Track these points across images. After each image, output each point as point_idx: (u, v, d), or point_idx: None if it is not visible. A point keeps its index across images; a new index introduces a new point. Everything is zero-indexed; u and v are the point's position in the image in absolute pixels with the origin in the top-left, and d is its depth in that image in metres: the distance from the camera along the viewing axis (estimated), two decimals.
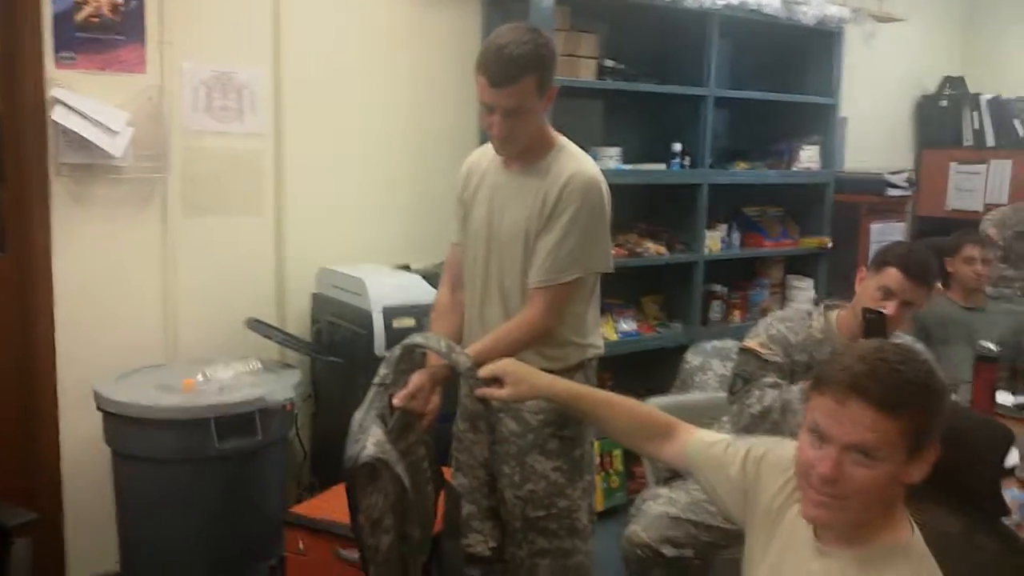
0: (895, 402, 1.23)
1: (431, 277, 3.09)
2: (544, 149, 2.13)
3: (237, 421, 2.57)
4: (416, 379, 1.93)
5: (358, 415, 1.86)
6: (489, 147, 2.21)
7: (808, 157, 4.34)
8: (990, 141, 5.05)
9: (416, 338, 1.94)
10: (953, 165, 5.12)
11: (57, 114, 2.74)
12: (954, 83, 5.42)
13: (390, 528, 1.87)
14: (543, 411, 2.12)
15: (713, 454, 1.60)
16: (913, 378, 1.25)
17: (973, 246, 3.56)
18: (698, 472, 1.64)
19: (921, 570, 1.29)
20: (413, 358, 1.96)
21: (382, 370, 1.91)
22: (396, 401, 1.89)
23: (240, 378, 2.73)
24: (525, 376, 1.82)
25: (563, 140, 2.17)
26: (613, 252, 2.23)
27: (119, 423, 2.61)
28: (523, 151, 2.11)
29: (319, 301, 3.26)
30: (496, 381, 1.82)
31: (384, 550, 1.85)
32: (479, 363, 1.88)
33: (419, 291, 3.00)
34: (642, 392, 2.85)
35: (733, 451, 1.58)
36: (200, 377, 2.66)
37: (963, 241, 3.56)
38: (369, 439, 1.79)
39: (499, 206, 2.15)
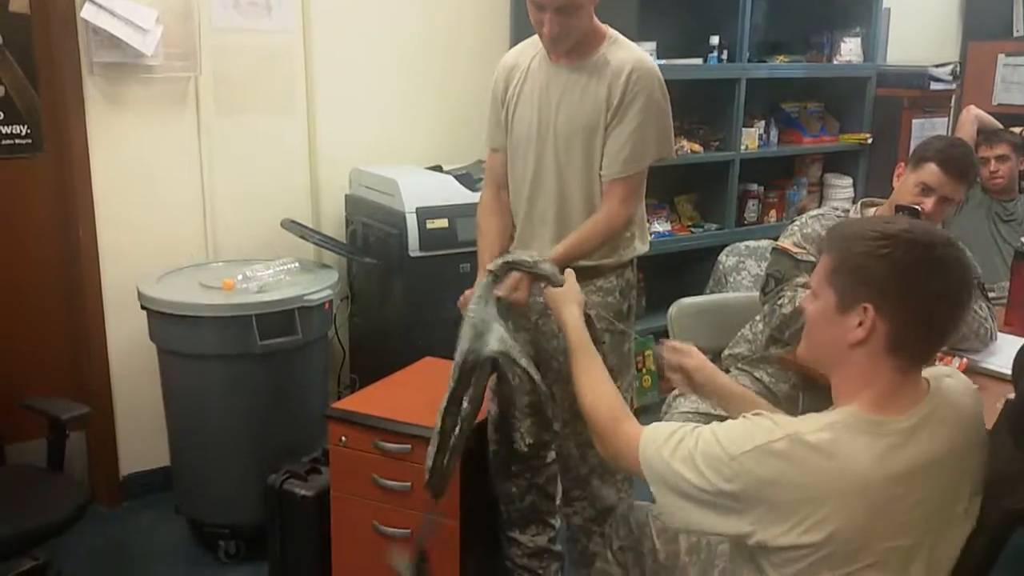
0: (827, 243, 1.41)
1: (463, 178, 3.09)
2: (595, 42, 2.11)
3: (278, 319, 2.62)
4: (514, 276, 1.99)
5: (475, 307, 1.90)
6: (526, 45, 2.18)
7: (849, 50, 4.21)
8: None
9: (507, 257, 2.00)
10: (1001, 57, 4.94)
11: (87, 12, 2.72)
12: None
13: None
14: (595, 306, 2.15)
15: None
16: (849, 225, 1.44)
17: (987, 146, 3.48)
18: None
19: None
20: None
21: (495, 262, 1.97)
22: (500, 292, 1.96)
23: (278, 278, 2.77)
24: (567, 300, 1.86)
25: (613, 32, 2.15)
26: (672, 155, 2.24)
27: (163, 321, 2.67)
28: (574, 46, 2.08)
29: (352, 202, 3.27)
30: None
31: (457, 435, 1.95)
32: (564, 266, 1.98)
33: (452, 192, 3.00)
34: (675, 295, 2.85)
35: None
36: (240, 276, 2.71)
37: (978, 142, 3.48)
38: (492, 335, 1.85)
39: (551, 103, 2.13)
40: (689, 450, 1.37)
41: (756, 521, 1.30)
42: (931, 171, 2.27)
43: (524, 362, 1.89)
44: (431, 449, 1.94)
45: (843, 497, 1.26)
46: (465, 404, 1.92)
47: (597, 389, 1.63)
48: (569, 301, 1.85)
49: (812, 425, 1.31)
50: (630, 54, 2.10)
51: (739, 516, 1.31)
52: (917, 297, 1.29)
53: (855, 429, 1.29)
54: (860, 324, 1.31)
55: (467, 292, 2.19)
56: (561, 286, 1.91)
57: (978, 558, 1.33)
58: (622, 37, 2.16)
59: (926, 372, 1.40)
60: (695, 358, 1.78)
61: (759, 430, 1.33)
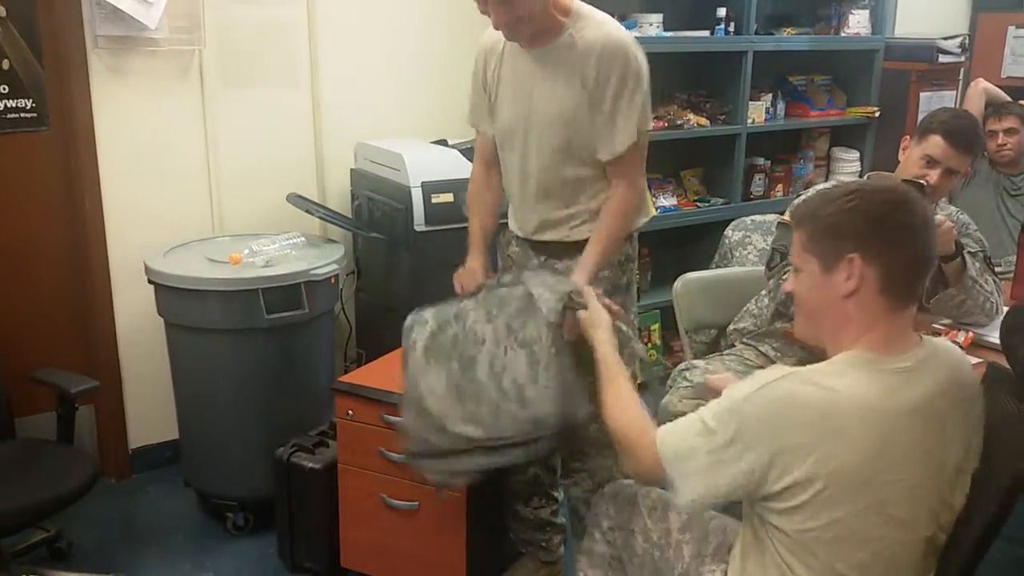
0: (795, 221, 1.51)
1: (468, 152, 3.06)
2: (559, 23, 2.03)
3: (284, 293, 2.63)
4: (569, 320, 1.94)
5: (547, 360, 1.89)
6: None
7: (857, 22, 4.17)
8: None
9: (564, 288, 1.96)
10: (1011, 29, 4.88)
11: None
12: None
13: None
14: (601, 280, 2.14)
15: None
16: (806, 200, 1.52)
17: (996, 119, 3.46)
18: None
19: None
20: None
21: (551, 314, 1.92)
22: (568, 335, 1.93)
23: (285, 252, 2.78)
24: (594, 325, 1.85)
25: (578, 5, 2.08)
26: (652, 125, 2.21)
27: (170, 295, 2.68)
28: (536, 33, 2.02)
29: (357, 176, 3.26)
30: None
31: None
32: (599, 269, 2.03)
33: (457, 166, 2.99)
34: (680, 269, 2.85)
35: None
36: (246, 251, 2.71)
37: (987, 115, 3.46)
38: (583, 397, 1.86)
39: (527, 90, 2.10)
40: (700, 419, 1.43)
41: (765, 461, 1.35)
42: (936, 143, 2.26)
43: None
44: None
45: (847, 428, 1.32)
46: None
47: (626, 409, 1.63)
48: (598, 325, 1.84)
49: (816, 367, 1.39)
50: (596, 31, 2.03)
51: (750, 461, 1.36)
52: (894, 234, 1.39)
53: (858, 367, 1.36)
54: (848, 277, 1.39)
55: (465, 267, 2.20)
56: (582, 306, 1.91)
57: (987, 518, 1.37)
58: (586, 8, 2.08)
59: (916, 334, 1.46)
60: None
61: (764, 374, 1.41)
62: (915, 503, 1.36)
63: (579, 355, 1.91)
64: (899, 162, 2.39)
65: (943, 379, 1.41)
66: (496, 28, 2.02)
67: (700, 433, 1.42)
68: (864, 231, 1.39)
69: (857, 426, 1.32)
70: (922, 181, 2.22)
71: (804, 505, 1.34)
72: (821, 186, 2.49)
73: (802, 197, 2.44)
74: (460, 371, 1.96)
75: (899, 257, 1.39)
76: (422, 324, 2.06)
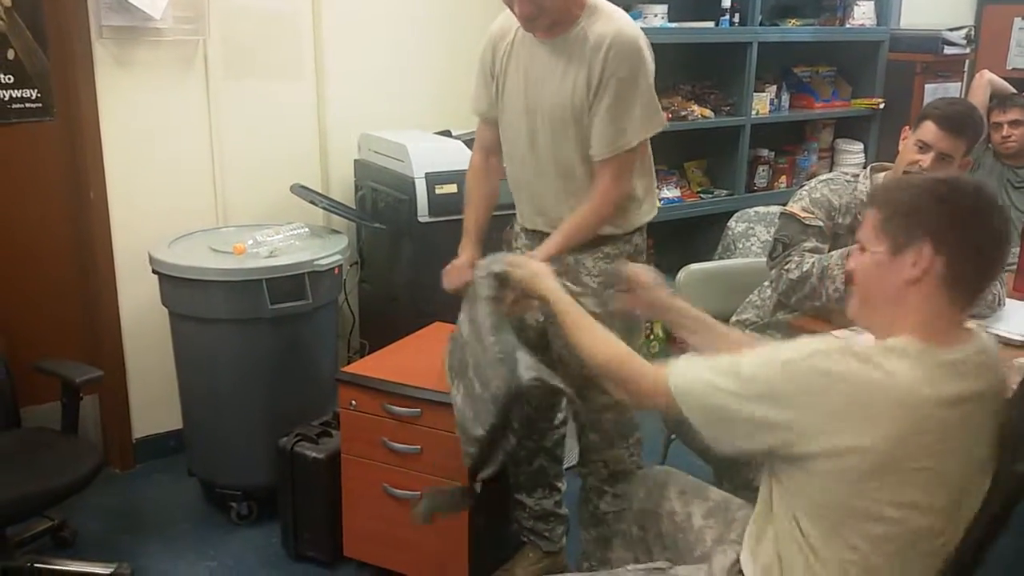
0: (872, 200, 1.52)
1: (472, 143, 3.05)
2: (574, 15, 2.03)
3: (288, 284, 2.63)
4: (508, 295, 1.94)
5: (493, 338, 1.85)
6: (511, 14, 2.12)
7: (863, 13, 4.16)
8: None
9: (494, 269, 1.93)
10: (1017, 21, 4.86)
11: None
12: None
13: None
14: (602, 273, 2.15)
15: None
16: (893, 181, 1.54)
17: (1000, 111, 3.45)
18: None
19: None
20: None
21: (487, 290, 1.91)
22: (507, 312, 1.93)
23: (289, 242, 2.78)
24: (537, 276, 1.84)
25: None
26: (652, 131, 2.20)
27: (174, 285, 2.69)
28: (554, 23, 2.02)
29: (361, 167, 3.27)
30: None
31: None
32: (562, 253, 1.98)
33: (461, 157, 2.97)
34: (684, 260, 2.85)
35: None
36: (250, 241, 2.72)
37: (991, 107, 3.45)
38: (520, 365, 1.82)
39: (536, 81, 2.09)
40: (731, 364, 1.43)
41: (795, 424, 1.35)
42: (928, 128, 2.28)
43: (556, 382, 1.87)
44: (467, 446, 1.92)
45: (882, 413, 1.32)
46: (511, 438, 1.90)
47: (603, 342, 1.63)
48: (541, 275, 1.83)
49: (864, 347, 1.39)
50: (609, 25, 2.01)
51: (780, 419, 1.36)
52: (971, 232, 1.38)
53: (905, 353, 1.36)
54: (915, 263, 1.38)
55: (455, 262, 2.19)
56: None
57: (992, 516, 1.37)
58: (603, 3, 2.07)
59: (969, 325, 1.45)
60: (648, 278, 1.84)
61: (811, 341, 1.42)
62: (936, 491, 1.36)
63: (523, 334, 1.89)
64: (898, 152, 2.39)
65: (990, 377, 1.41)
66: (519, 19, 2.01)
67: (724, 374, 1.42)
68: (943, 222, 1.38)
69: (892, 411, 1.32)
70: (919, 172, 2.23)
71: (823, 474, 1.36)
72: (824, 176, 2.49)
73: (806, 186, 2.45)
74: (466, 379, 1.95)
75: (970, 257, 1.38)
76: (451, 342, 2.07)
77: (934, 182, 1.44)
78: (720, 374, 1.42)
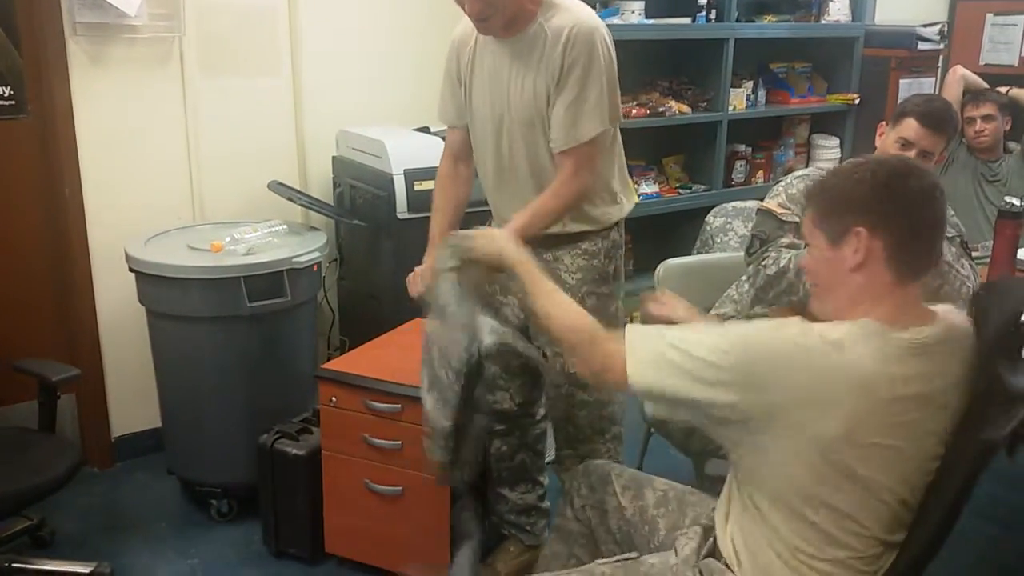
0: (806, 198, 1.53)
1: None
2: (530, 11, 2.00)
3: (266, 281, 2.62)
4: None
5: (456, 309, 1.80)
6: None
7: (838, 9, 4.20)
8: None
9: (451, 242, 1.87)
10: (989, 17, 4.92)
11: None
12: None
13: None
14: (580, 270, 2.16)
15: None
16: (818, 180, 1.52)
17: (973, 106, 3.50)
18: None
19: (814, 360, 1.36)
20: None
21: (449, 261, 1.85)
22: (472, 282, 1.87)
23: (267, 240, 2.77)
24: (497, 240, 1.78)
25: None
26: (635, 112, 2.20)
27: (151, 283, 2.67)
28: (509, 22, 1.99)
29: (339, 164, 3.26)
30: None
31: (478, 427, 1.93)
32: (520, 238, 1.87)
33: (439, 153, 2.94)
34: (662, 255, 2.87)
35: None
36: (228, 239, 2.70)
37: (965, 102, 3.50)
38: (483, 330, 1.79)
39: (501, 84, 2.08)
40: (688, 344, 1.42)
41: (752, 405, 1.37)
42: (909, 125, 2.30)
43: (521, 345, 1.87)
44: (438, 442, 1.86)
45: (841, 392, 1.34)
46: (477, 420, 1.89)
47: (564, 310, 1.60)
48: (500, 240, 1.76)
49: (825, 325, 1.41)
50: (567, 17, 1.98)
51: (737, 400, 1.37)
52: (901, 205, 1.40)
53: (865, 334, 1.37)
54: (856, 250, 1.40)
55: (417, 269, 2.17)
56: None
57: (957, 485, 1.39)
58: None
59: (936, 308, 1.48)
60: (680, 311, 1.82)
61: (769, 322, 1.45)
62: (891, 468, 1.38)
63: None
64: (876, 148, 2.42)
65: (951, 357, 1.41)
66: (472, 21, 1.99)
67: (679, 345, 1.41)
68: (869, 201, 1.40)
69: (851, 391, 1.34)
70: None
71: (781, 454, 1.38)
72: (799, 172, 2.51)
73: (782, 182, 2.47)
74: (435, 376, 1.89)
75: (904, 225, 1.39)
76: (423, 351, 2.01)
77: (854, 167, 1.46)
78: (678, 353, 1.41)
